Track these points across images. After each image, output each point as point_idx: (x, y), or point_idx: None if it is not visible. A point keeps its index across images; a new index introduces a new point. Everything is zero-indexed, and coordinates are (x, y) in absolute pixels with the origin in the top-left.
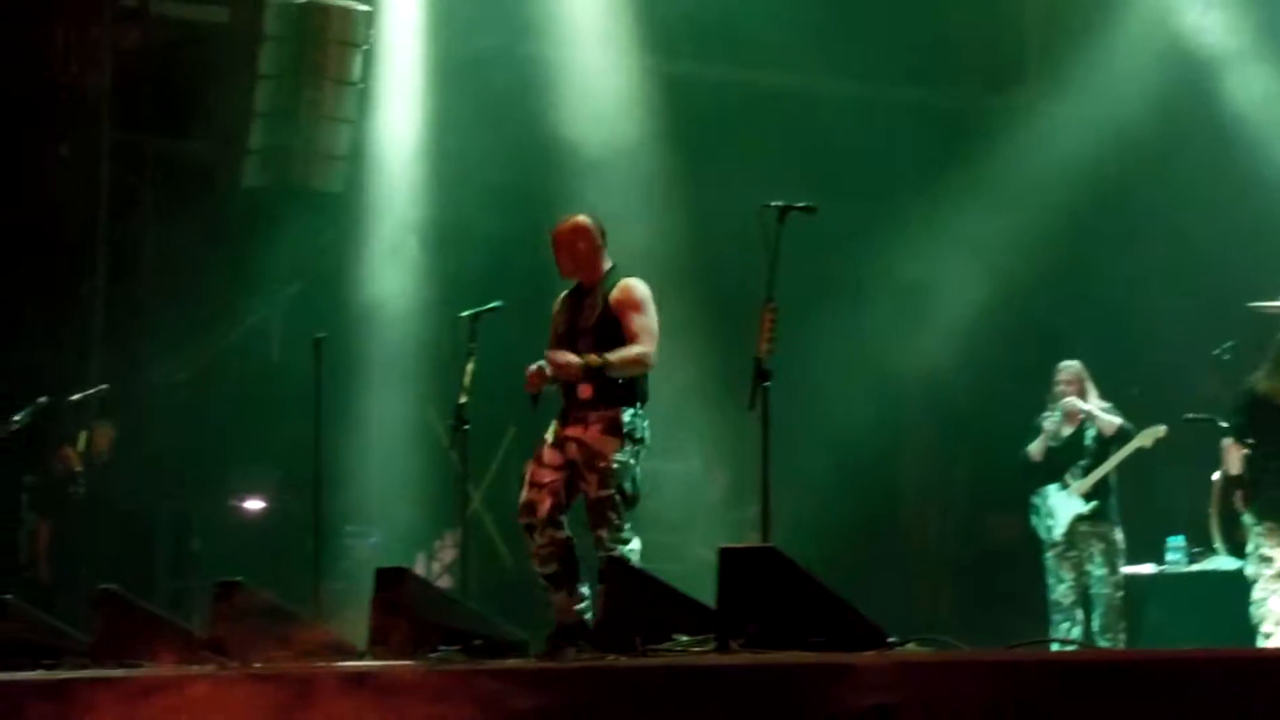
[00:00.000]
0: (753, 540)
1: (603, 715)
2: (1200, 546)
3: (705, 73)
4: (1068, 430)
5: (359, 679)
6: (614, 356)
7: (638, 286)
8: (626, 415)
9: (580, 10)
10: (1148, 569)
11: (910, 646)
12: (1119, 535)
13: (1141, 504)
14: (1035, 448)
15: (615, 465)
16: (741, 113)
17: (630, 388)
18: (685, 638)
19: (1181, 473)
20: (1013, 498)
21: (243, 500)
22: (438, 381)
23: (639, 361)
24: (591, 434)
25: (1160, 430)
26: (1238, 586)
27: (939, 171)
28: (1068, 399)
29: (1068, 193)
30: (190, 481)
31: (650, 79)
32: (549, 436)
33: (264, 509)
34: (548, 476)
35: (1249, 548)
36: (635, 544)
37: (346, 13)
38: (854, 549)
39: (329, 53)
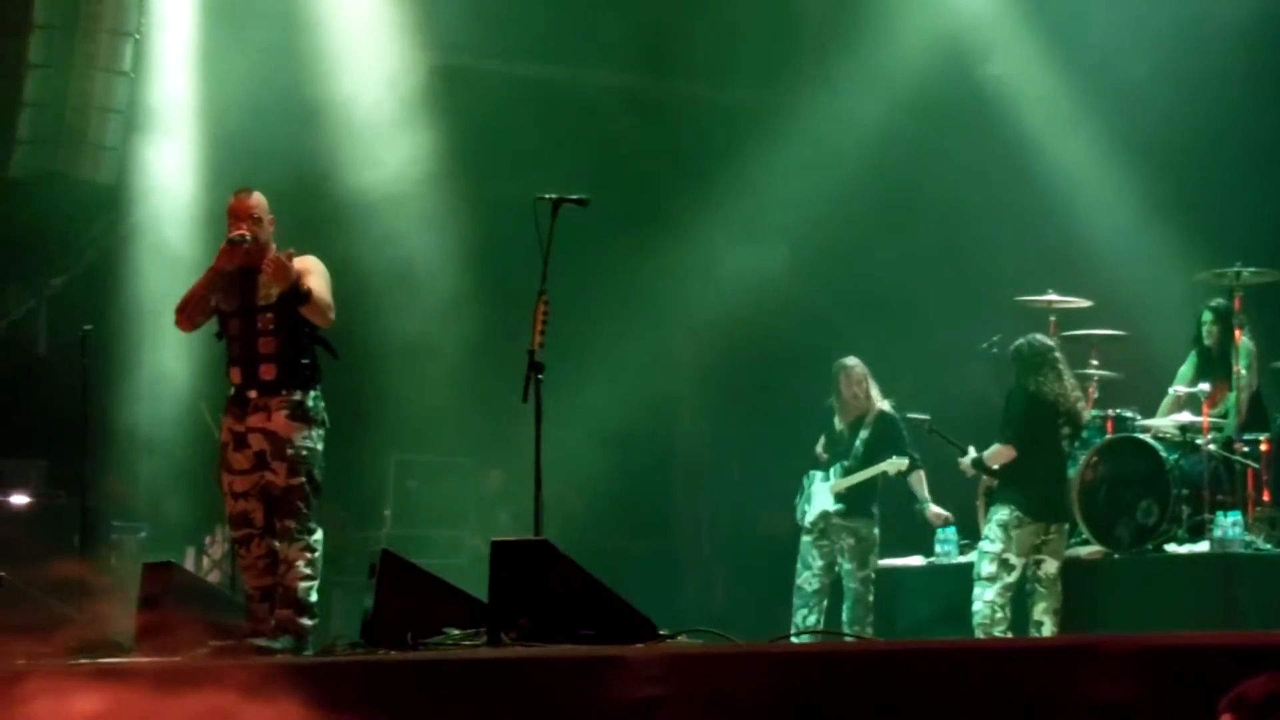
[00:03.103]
0: (526, 533)
1: (374, 709)
2: (969, 539)
3: (481, 66)
4: (842, 427)
5: (126, 674)
6: (319, 295)
7: (315, 260)
8: (310, 399)
9: (356, 3)
10: (916, 561)
11: (681, 639)
12: (873, 531)
13: (912, 495)
14: (820, 449)
15: (305, 451)
16: (519, 106)
17: (313, 369)
18: (456, 631)
19: (952, 465)
20: (784, 491)
21: (8, 494)
22: (209, 374)
23: (328, 310)
24: (277, 421)
25: (902, 463)
26: None
27: (714, 164)
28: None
29: (842, 185)
30: None
31: (426, 71)
32: (226, 438)
33: (31, 503)
34: (248, 483)
35: (993, 546)
36: (319, 534)
37: (118, 1)
38: (627, 542)
39: (100, 42)
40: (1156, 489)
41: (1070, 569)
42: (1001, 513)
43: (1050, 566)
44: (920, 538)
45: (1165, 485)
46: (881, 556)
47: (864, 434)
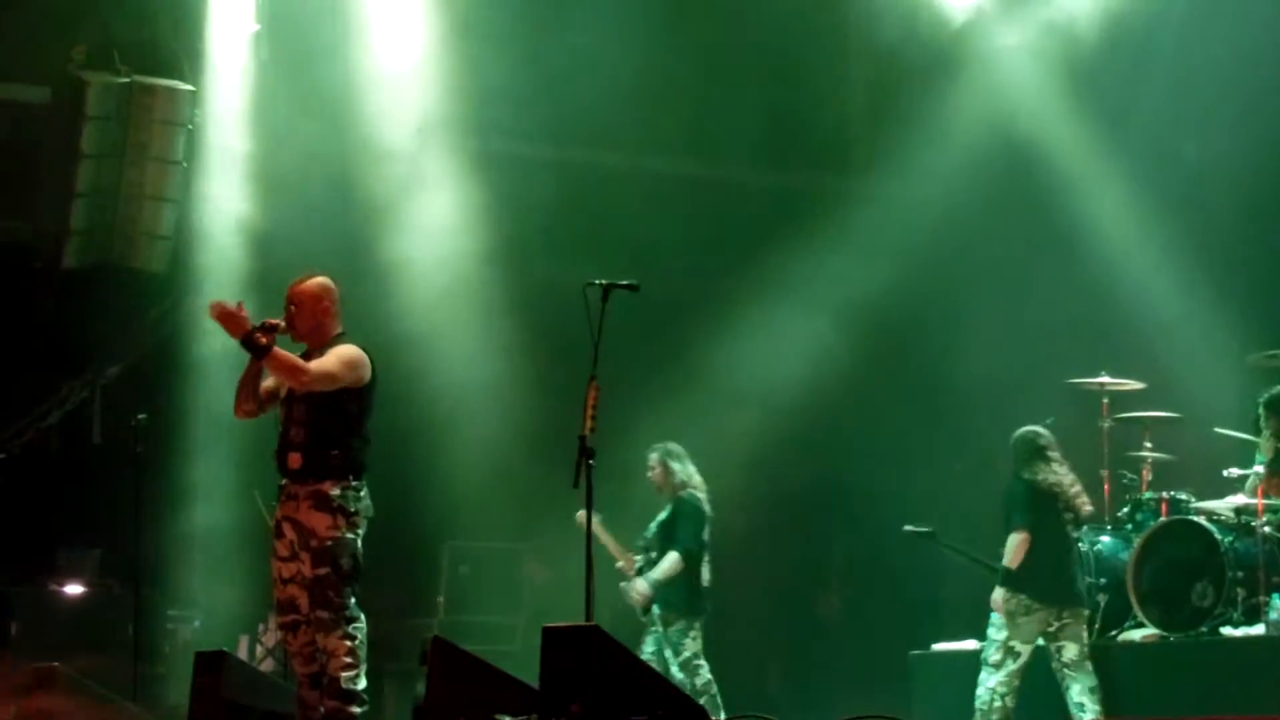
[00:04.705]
0: (578, 619)
1: None
2: None
3: (535, 152)
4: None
5: None
6: (281, 353)
7: (350, 347)
8: (335, 489)
9: (402, 92)
10: (971, 645)
11: None
12: (676, 615)
13: (964, 579)
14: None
15: (329, 542)
16: (570, 191)
17: (342, 460)
18: (508, 718)
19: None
20: (837, 576)
21: (63, 584)
22: (262, 462)
23: (296, 370)
24: (302, 511)
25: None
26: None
27: (766, 251)
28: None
29: (895, 269)
30: (9, 564)
31: (475, 160)
32: (274, 524)
33: (85, 592)
34: (291, 569)
35: (999, 634)
36: (361, 622)
37: (170, 92)
38: None
39: (152, 132)
40: (1211, 571)
41: (1125, 652)
42: (1009, 602)
43: (1071, 651)
44: (974, 621)
45: (1220, 568)
46: (937, 640)
47: (661, 516)
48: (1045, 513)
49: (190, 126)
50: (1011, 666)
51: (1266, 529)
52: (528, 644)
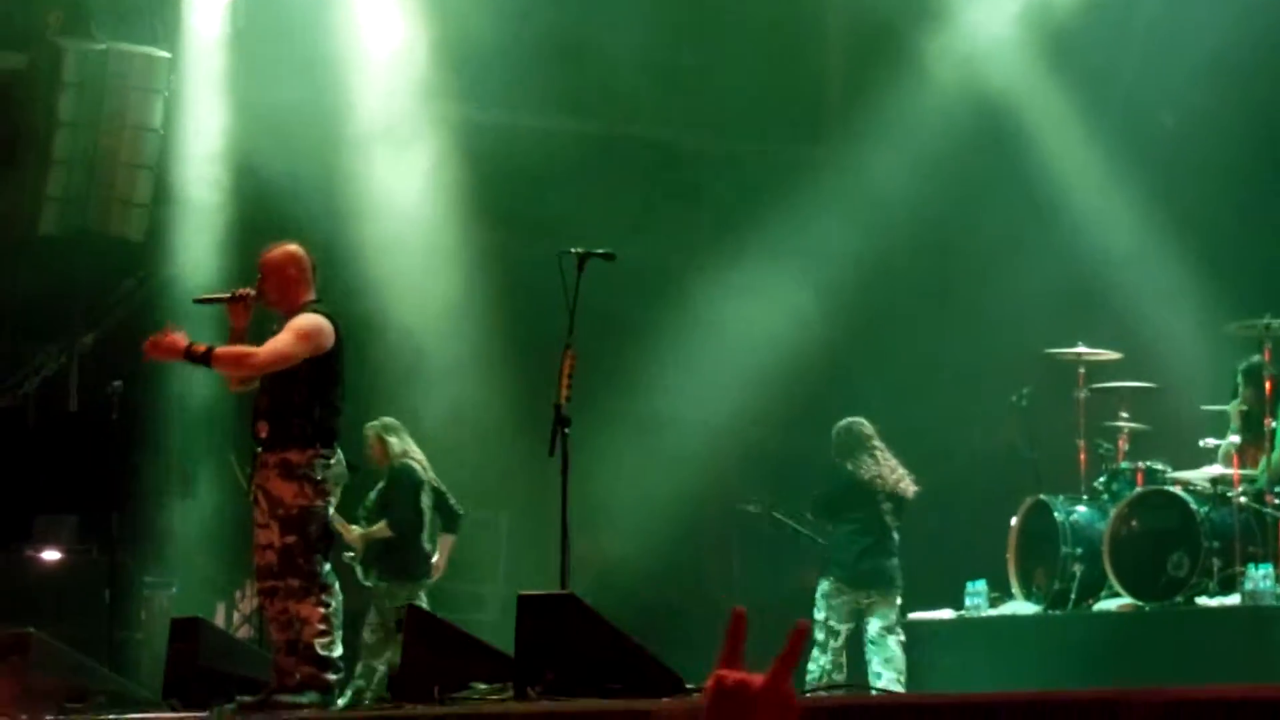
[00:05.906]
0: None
1: None
2: (998, 592)
3: (515, 119)
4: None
5: None
6: (224, 353)
7: (306, 316)
8: (301, 458)
9: (382, 59)
10: (946, 614)
11: None
12: (380, 583)
13: (940, 549)
14: None
15: (295, 511)
16: (547, 159)
17: (305, 428)
18: (483, 686)
19: (981, 519)
20: (814, 544)
21: (40, 550)
22: (239, 428)
23: (239, 360)
24: (270, 480)
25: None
26: (1035, 630)
27: (743, 220)
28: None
29: (869, 240)
30: None
31: (454, 128)
32: (250, 492)
33: (62, 558)
34: (268, 536)
35: (820, 615)
36: (335, 589)
37: (147, 59)
38: (656, 595)
39: (129, 99)
40: (1187, 541)
41: (1100, 621)
42: (824, 585)
43: (874, 628)
44: (950, 591)
45: (1196, 538)
46: (912, 609)
47: (380, 486)
48: (860, 504)
49: (167, 94)
50: (834, 644)
51: (1242, 499)
52: (504, 612)
